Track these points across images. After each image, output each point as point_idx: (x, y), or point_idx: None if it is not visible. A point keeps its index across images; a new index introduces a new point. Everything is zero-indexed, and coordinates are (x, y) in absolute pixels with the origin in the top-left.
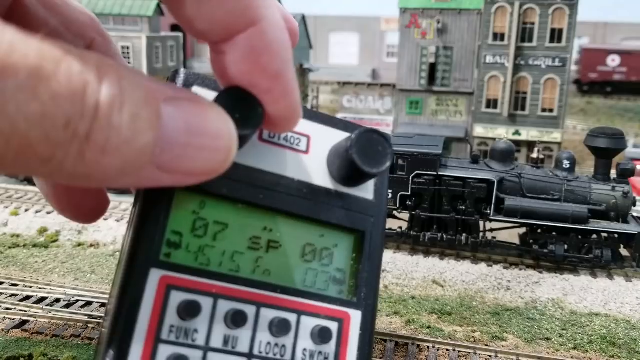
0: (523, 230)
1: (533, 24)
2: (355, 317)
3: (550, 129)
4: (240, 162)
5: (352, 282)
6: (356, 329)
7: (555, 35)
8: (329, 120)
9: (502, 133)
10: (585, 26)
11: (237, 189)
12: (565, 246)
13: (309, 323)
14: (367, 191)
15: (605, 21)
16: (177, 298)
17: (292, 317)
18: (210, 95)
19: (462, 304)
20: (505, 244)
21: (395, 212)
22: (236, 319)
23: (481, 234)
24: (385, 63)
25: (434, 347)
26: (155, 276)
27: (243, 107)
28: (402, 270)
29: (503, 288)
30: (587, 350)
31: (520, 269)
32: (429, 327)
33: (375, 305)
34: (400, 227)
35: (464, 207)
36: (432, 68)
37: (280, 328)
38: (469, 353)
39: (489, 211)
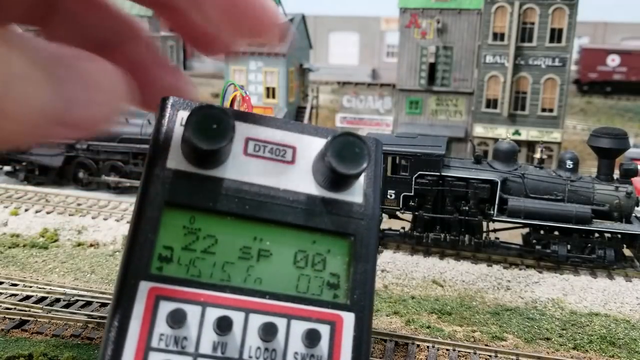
0: (525, 230)
1: (533, 23)
2: (349, 319)
3: (550, 129)
4: (226, 177)
5: (346, 285)
6: (349, 330)
7: (555, 35)
8: (314, 130)
9: (502, 133)
10: (585, 26)
11: (225, 203)
12: (568, 246)
13: (298, 327)
14: (355, 194)
15: (605, 21)
16: (166, 308)
17: (281, 322)
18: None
19: (462, 303)
20: (508, 245)
21: (398, 213)
22: (224, 325)
23: (484, 235)
24: (385, 63)
25: (433, 347)
26: (144, 288)
27: (214, 120)
28: (402, 270)
29: (503, 288)
30: (587, 350)
31: (520, 269)
32: (428, 327)
33: (371, 306)
34: (404, 228)
35: (467, 208)
36: (432, 68)
37: (268, 333)
38: (469, 353)
39: (492, 211)
